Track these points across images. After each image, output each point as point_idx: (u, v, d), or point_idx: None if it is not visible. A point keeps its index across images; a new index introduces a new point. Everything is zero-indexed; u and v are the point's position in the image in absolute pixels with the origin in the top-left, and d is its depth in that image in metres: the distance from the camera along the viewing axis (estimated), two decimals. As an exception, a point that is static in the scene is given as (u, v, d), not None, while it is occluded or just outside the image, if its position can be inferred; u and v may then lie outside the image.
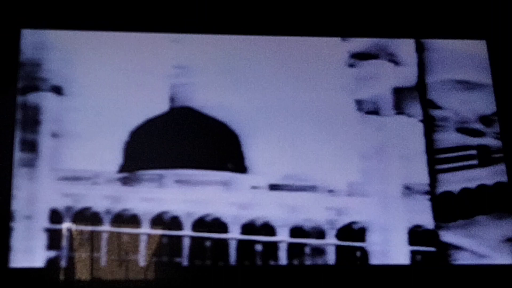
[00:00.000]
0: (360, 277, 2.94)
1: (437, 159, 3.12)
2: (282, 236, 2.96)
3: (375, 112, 3.16)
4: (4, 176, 2.90)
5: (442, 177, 3.10)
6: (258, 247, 2.94)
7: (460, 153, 3.14)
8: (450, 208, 3.06)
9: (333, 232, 2.99)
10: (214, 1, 3.23)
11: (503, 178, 3.11)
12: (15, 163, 2.92)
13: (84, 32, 3.15)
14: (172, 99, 3.09)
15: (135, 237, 2.90)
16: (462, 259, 2.99)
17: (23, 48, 3.08)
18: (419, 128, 3.16)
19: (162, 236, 2.92)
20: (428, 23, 3.30)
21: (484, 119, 3.20)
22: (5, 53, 3.06)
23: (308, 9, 3.27)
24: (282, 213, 2.99)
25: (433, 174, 3.09)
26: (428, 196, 3.06)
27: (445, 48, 3.29)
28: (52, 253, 2.84)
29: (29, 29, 3.11)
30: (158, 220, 2.93)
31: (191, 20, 3.20)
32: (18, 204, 2.87)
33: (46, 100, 3.03)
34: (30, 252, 2.83)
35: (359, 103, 3.17)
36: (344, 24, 3.27)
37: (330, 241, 2.98)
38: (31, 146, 2.96)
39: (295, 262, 2.94)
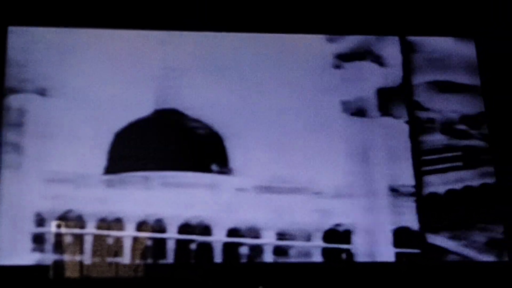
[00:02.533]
0: (346, 275, 2.95)
1: (422, 160, 3.12)
2: (268, 239, 2.96)
3: (360, 113, 3.16)
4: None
5: (428, 178, 3.09)
6: (244, 250, 2.94)
7: (445, 155, 3.13)
8: (436, 210, 3.06)
9: (319, 234, 2.98)
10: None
11: (489, 180, 3.11)
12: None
13: (67, 30, 3.13)
14: (157, 101, 3.08)
15: (120, 239, 2.89)
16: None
17: (9, 47, 3.07)
18: (404, 129, 3.16)
19: (147, 238, 2.91)
20: (415, 21, 3.30)
21: (470, 120, 3.19)
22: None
23: (293, 6, 3.26)
24: (268, 215, 2.98)
25: (419, 175, 3.09)
26: (413, 198, 3.06)
27: (431, 49, 3.28)
28: (37, 256, 2.83)
29: (16, 26, 3.09)
30: (143, 223, 2.92)
31: (177, 18, 3.20)
32: (3, 206, 2.86)
33: (30, 102, 3.02)
34: (15, 254, 2.82)
35: (345, 105, 3.16)
36: (329, 22, 3.26)
37: (316, 243, 2.97)
38: (16, 148, 2.95)
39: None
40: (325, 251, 2.97)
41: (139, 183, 2.97)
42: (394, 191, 3.06)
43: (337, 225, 3.00)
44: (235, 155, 3.05)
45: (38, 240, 2.85)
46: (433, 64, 3.26)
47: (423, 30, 3.29)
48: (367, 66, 3.23)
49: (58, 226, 2.87)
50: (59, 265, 2.83)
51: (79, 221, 2.89)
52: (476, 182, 3.11)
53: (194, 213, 2.95)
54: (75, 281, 2.83)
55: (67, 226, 2.88)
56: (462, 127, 3.18)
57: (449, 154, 3.14)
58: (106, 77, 3.08)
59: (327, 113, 3.14)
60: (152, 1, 3.20)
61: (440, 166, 3.12)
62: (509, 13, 3.31)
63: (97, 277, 2.84)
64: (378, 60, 3.24)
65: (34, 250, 2.84)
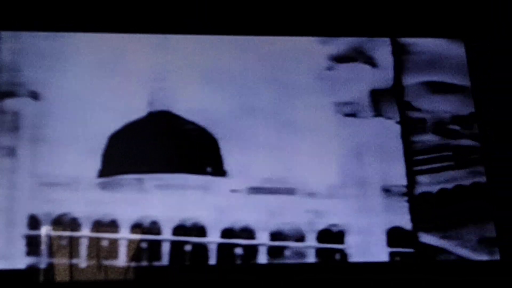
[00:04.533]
0: (340, 275, 2.97)
1: (414, 160, 3.14)
2: (262, 239, 2.97)
3: (353, 114, 3.18)
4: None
5: (420, 178, 3.12)
6: (238, 251, 2.95)
7: (437, 154, 3.16)
8: (428, 209, 3.08)
9: (313, 235, 3.00)
10: (191, 2, 3.23)
11: (480, 179, 3.14)
12: (-6, 169, 2.92)
13: (60, 34, 3.13)
14: (150, 103, 3.09)
15: (115, 242, 2.90)
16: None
17: (1, 52, 3.07)
18: (396, 130, 3.18)
19: (142, 240, 2.91)
20: (406, 22, 3.32)
21: (461, 120, 3.22)
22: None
23: (285, 9, 3.28)
24: (262, 216, 3.00)
25: (411, 175, 3.11)
26: (406, 198, 3.08)
27: (422, 50, 3.30)
28: (31, 259, 2.83)
29: (7, 31, 3.10)
30: (138, 225, 2.93)
31: (170, 21, 3.20)
32: (-3, 210, 2.87)
33: (24, 106, 3.02)
34: (9, 258, 2.82)
35: (337, 106, 3.18)
36: (321, 24, 3.28)
37: (310, 243, 2.98)
38: (9, 152, 2.95)
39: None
40: (319, 252, 2.98)
41: (133, 185, 2.97)
42: (387, 191, 3.08)
43: (331, 225, 3.02)
44: (229, 156, 3.06)
45: (33, 243, 2.85)
46: (424, 65, 3.28)
47: (414, 32, 3.31)
48: (359, 67, 3.25)
49: (53, 229, 2.87)
50: (52, 268, 2.82)
51: (74, 224, 2.89)
52: (467, 181, 3.14)
53: (189, 215, 2.96)
54: (68, 284, 2.83)
55: (61, 229, 2.88)
56: (453, 127, 3.21)
57: (441, 154, 3.17)
58: (99, 80, 3.09)
59: (320, 114, 3.15)
60: (145, 5, 3.21)
61: (432, 165, 3.14)
62: (498, 14, 3.34)
63: (91, 280, 2.84)
64: (370, 61, 3.27)
65: (29, 253, 2.84)
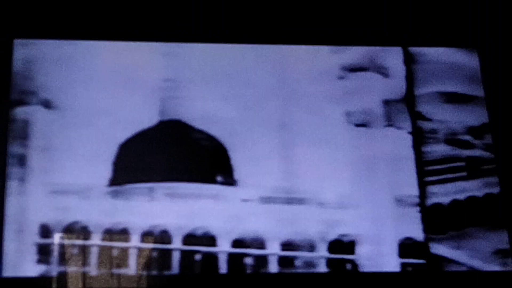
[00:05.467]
0: (351, 285, 2.95)
1: (426, 171, 3.12)
2: (273, 249, 2.96)
3: (364, 124, 3.17)
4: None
5: (432, 189, 3.10)
6: (249, 260, 2.94)
7: (449, 165, 3.14)
8: (440, 220, 3.06)
9: (324, 245, 2.98)
10: (203, 10, 3.23)
11: (493, 190, 3.12)
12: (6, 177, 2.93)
13: (72, 42, 3.14)
14: (161, 112, 3.09)
15: (125, 250, 2.90)
16: (452, 271, 3.01)
17: (14, 60, 3.08)
18: (408, 140, 3.16)
19: (152, 249, 2.91)
20: (417, 31, 3.31)
21: (473, 131, 3.20)
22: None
23: (297, 17, 3.27)
24: (272, 226, 2.99)
25: (423, 186, 3.10)
26: (418, 208, 3.07)
27: (434, 60, 3.29)
28: (42, 267, 2.83)
29: (21, 39, 3.11)
30: (148, 234, 2.93)
31: (181, 29, 3.21)
32: (9, 218, 2.86)
33: (35, 114, 3.03)
34: (21, 266, 2.82)
35: (349, 115, 3.17)
36: (332, 32, 3.27)
37: (321, 253, 2.97)
38: (21, 160, 2.96)
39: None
40: (330, 262, 2.97)
41: (144, 194, 2.98)
42: (398, 201, 3.06)
43: (342, 235, 3.00)
44: (240, 165, 3.05)
45: (44, 252, 2.86)
46: (436, 74, 3.27)
47: (426, 41, 3.30)
48: (371, 77, 3.24)
49: (63, 237, 2.87)
50: (63, 277, 2.83)
51: (84, 233, 2.90)
52: (480, 192, 3.12)
53: (199, 224, 2.96)
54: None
55: (72, 237, 2.88)
56: (465, 137, 3.19)
57: (453, 165, 3.15)
58: (110, 89, 3.10)
59: (332, 123, 3.15)
60: (157, 14, 3.22)
61: (444, 176, 3.12)
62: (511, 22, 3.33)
63: (102, 288, 2.85)
64: (382, 71, 3.26)
65: (40, 261, 2.84)
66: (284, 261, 2.95)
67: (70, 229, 2.90)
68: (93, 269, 2.86)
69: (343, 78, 3.23)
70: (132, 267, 2.88)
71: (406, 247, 3.00)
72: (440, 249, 3.02)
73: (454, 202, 3.09)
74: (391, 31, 3.30)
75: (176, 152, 3.06)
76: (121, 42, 3.19)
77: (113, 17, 3.20)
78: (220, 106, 3.12)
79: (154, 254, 2.91)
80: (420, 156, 3.14)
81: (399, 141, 3.16)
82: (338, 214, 3.02)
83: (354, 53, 3.27)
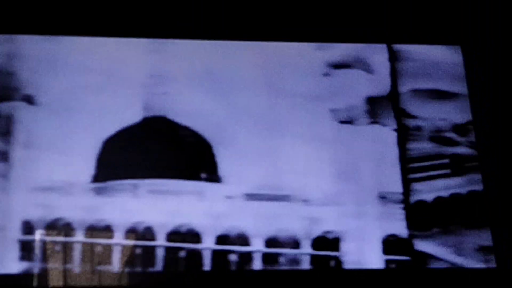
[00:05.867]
0: (335, 282, 2.96)
1: (410, 168, 3.13)
2: (257, 246, 2.96)
3: (349, 121, 3.17)
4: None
5: (415, 186, 3.11)
6: (233, 257, 2.94)
7: (433, 162, 3.15)
8: (424, 217, 3.07)
9: (308, 242, 2.99)
10: (189, 7, 3.22)
11: (476, 187, 3.13)
12: (-13, 173, 2.91)
13: (54, 38, 3.12)
14: (145, 108, 3.08)
15: (109, 247, 2.89)
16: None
17: (-4, 56, 3.07)
18: (392, 137, 3.17)
19: (136, 246, 2.90)
20: (402, 28, 3.31)
21: (458, 128, 3.21)
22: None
23: (282, 14, 3.27)
24: (257, 222, 2.98)
25: (407, 183, 3.10)
26: (402, 205, 3.07)
27: (418, 57, 3.30)
28: (25, 264, 2.82)
29: (3, 34, 3.09)
30: (132, 231, 2.92)
31: (166, 25, 3.20)
32: (-10, 215, 2.86)
33: (18, 110, 3.01)
34: (2, 263, 2.81)
35: (334, 112, 3.17)
36: (317, 29, 3.27)
37: (305, 250, 2.97)
38: (3, 156, 2.94)
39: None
40: (314, 259, 2.97)
41: (127, 191, 2.96)
42: (383, 198, 3.07)
43: (326, 232, 3.01)
44: (224, 162, 3.05)
45: (26, 249, 2.84)
46: (420, 71, 3.27)
47: (411, 38, 3.30)
48: (356, 74, 3.24)
49: (46, 234, 2.86)
50: (45, 274, 2.81)
51: (67, 229, 2.88)
52: (464, 190, 3.13)
53: (183, 221, 2.95)
54: (62, 289, 2.83)
55: (55, 234, 2.87)
56: (449, 134, 3.20)
57: (437, 162, 3.16)
58: (94, 85, 3.08)
59: (316, 120, 3.14)
60: (141, 10, 3.20)
61: (428, 173, 3.13)
62: (496, 20, 3.34)
63: (85, 285, 2.83)
64: (367, 68, 3.26)
65: (22, 258, 2.83)
66: (268, 258, 2.95)
67: (53, 226, 2.88)
68: (76, 266, 2.85)
69: (328, 75, 3.23)
70: (115, 264, 2.87)
71: (390, 243, 3.01)
72: (423, 246, 3.02)
73: (438, 199, 3.10)
74: (376, 28, 3.31)
75: (160, 148, 3.05)
76: (105, 38, 3.17)
77: (98, 12, 3.18)
78: (205, 102, 3.11)
79: (138, 251, 2.90)
80: (404, 153, 3.15)
81: (384, 138, 3.16)
82: (322, 211, 3.02)
83: (339, 50, 3.27)
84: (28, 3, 3.14)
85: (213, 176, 3.03)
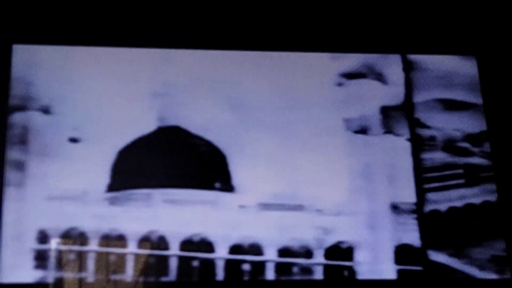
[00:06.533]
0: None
1: (424, 178, 3.12)
2: (270, 256, 2.96)
3: (363, 131, 3.17)
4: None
5: (429, 196, 3.10)
6: (246, 267, 2.94)
7: (447, 172, 3.14)
8: (437, 227, 3.06)
9: (321, 252, 2.98)
10: (201, 17, 3.24)
11: (490, 197, 3.12)
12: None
13: (71, 48, 3.15)
14: (160, 118, 3.10)
15: (123, 256, 2.90)
16: (449, 278, 3.01)
17: (13, 65, 3.09)
18: (406, 147, 3.16)
19: (150, 255, 2.91)
20: (416, 39, 3.31)
21: (472, 138, 3.20)
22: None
23: (295, 24, 3.28)
24: (270, 232, 2.99)
25: (421, 193, 3.10)
26: (415, 215, 3.06)
27: (433, 67, 3.29)
28: (39, 273, 2.83)
29: (20, 44, 3.12)
30: (146, 240, 2.93)
31: (180, 35, 3.22)
32: (6, 224, 2.87)
33: (34, 119, 3.03)
34: (18, 272, 2.83)
35: (347, 122, 3.17)
36: (331, 39, 3.28)
37: (318, 260, 2.97)
38: (19, 166, 2.96)
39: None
40: (327, 268, 2.97)
41: (141, 200, 2.98)
42: (396, 208, 3.06)
43: (339, 242, 3.00)
44: (238, 172, 3.05)
45: (41, 257, 2.86)
46: (435, 82, 3.27)
47: (425, 48, 3.30)
48: (370, 84, 3.24)
49: (61, 243, 2.87)
50: (59, 283, 2.83)
51: (82, 239, 2.90)
52: (477, 200, 3.12)
53: (197, 230, 2.96)
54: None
55: (69, 243, 2.89)
56: (464, 144, 3.19)
57: (451, 172, 3.15)
58: (109, 95, 3.10)
59: (330, 130, 3.15)
60: (155, 20, 3.22)
61: (442, 183, 3.12)
62: (511, 31, 3.33)
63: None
64: (381, 78, 3.26)
65: (37, 267, 2.84)
66: (281, 268, 2.95)
67: (67, 235, 2.90)
68: (90, 275, 2.86)
69: (341, 85, 3.23)
70: (129, 273, 2.88)
71: (403, 253, 3.00)
72: (437, 256, 3.01)
73: (452, 209, 3.09)
74: (390, 39, 3.31)
75: (174, 158, 3.06)
76: (120, 48, 3.19)
77: (112, 23, 3.20)
78: (219, 112, 3.12)
79: (151, 260, 2.91)
80: (418, 163, 3.14)
81: (398, 148, 3.15)
82: (336, 221, 3.02)
83: (352, 60, 3.27)
84: (44, 14, 3.17)
85: (227, 186, 3.04)
